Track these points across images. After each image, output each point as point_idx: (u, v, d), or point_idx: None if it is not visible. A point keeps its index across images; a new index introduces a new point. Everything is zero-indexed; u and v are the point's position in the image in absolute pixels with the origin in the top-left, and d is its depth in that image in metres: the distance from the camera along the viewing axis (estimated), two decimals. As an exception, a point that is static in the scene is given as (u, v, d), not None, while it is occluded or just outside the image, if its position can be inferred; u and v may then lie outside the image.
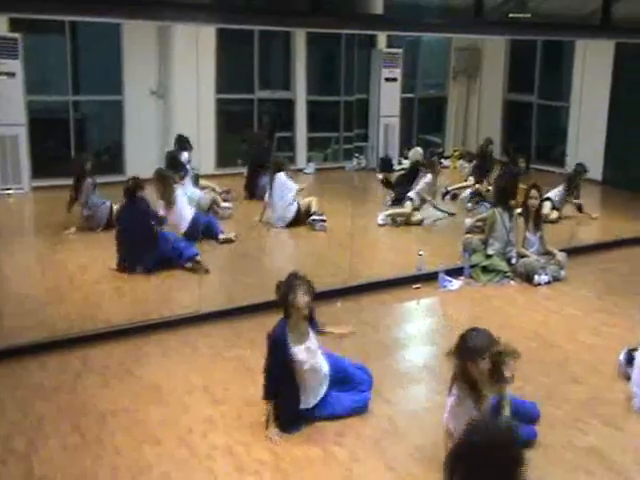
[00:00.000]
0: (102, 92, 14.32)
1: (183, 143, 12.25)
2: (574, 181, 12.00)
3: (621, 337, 7.46)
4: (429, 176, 11.81)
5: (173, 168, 10.95)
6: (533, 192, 9.35)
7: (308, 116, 15.86)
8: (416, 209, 11.63)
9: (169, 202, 10.04)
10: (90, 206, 10.79)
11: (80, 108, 14.34)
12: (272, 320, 7.55)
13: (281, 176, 11.35)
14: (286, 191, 11.28)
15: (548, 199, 11.67)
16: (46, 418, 5.65)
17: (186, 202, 10.33)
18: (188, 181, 11.53)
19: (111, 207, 10.67)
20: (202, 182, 12.15)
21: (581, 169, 12.17)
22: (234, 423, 5.62)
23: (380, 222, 11.47)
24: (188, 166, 11.96)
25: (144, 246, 9.11)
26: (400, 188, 12.32)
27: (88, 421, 5.62)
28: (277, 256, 10.68)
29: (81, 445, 5.28)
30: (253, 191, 12.80)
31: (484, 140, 14.17)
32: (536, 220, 9.34)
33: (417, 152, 15.11)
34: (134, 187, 9.29)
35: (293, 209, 11.30)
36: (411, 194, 11.70)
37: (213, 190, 12.03)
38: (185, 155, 12.14)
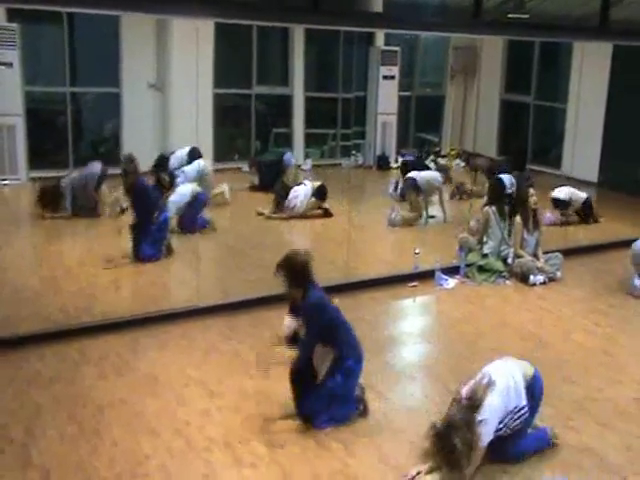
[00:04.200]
0: (100, 84, 14.32)
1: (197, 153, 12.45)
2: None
3: (615, 338, 7.52)
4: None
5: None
6: (531, 190, 9.37)
7: (306, 112, 15.89)
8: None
9: None
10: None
11: (77, 99, 14.33)
12: (269, 314, 7.64)
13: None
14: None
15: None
16: (44, 408, 5.67)
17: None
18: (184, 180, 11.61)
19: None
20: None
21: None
22: (231, 416, 5.64)
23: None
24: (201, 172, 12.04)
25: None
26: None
27: (85, 412, 5.63)
28: (274, 252, 10.61)
29: (79, 435, 5.30)
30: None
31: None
32: (534, 220, 9.35)
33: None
34: None
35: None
36: None
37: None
38: (201, 163, 12.20)
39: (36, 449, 5.11)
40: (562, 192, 11.81)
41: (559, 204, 11.69)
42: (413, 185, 11.71)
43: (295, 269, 5.50)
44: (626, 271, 8.94)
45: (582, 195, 11.89)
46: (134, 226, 9.26)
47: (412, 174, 11.91)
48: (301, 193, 11.64)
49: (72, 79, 13.89)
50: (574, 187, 12.02)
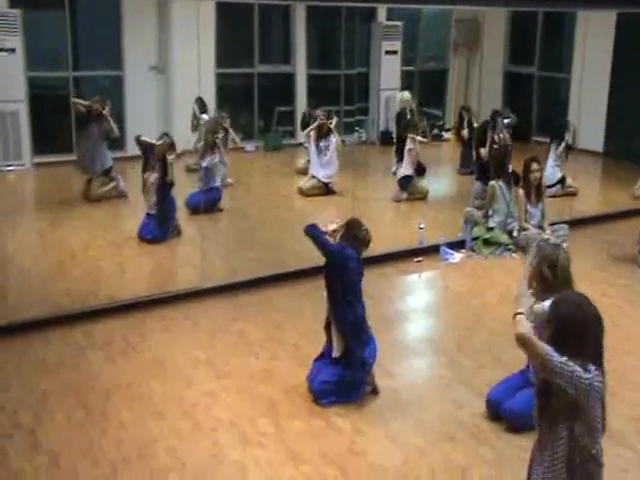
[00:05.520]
0: (102, 68, 14.27)
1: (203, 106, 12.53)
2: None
3: (622, 309, 7.50)
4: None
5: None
6: (535, 165, 9.25)
7: (308, 90, 15.81)
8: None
9: None
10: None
11: (80, 84, 14.28)
12: (274, 294, 7.66)
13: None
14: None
15: None
16: (51, 393, 5.70)
17: None
18: None
19: None
20: None
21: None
22: (237, 397, 5.67)
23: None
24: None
25: None
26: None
27: (92, 396, 5.66)
28: (278, 231, 10.65)
29: (86, 419, 5.33)
30: None
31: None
32: (537, 193, 9.29)
33: (404, 96, 14.42)
34: None
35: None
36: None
37: None
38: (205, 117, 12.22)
39: (44, 433, 5.15)
40: None
41: None
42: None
43: (351, 227, 5.84)
44: (632, 242, 8.89)
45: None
46: (157, 199, 9.37)
47: None
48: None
49: (75, 63, 13.84)
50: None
